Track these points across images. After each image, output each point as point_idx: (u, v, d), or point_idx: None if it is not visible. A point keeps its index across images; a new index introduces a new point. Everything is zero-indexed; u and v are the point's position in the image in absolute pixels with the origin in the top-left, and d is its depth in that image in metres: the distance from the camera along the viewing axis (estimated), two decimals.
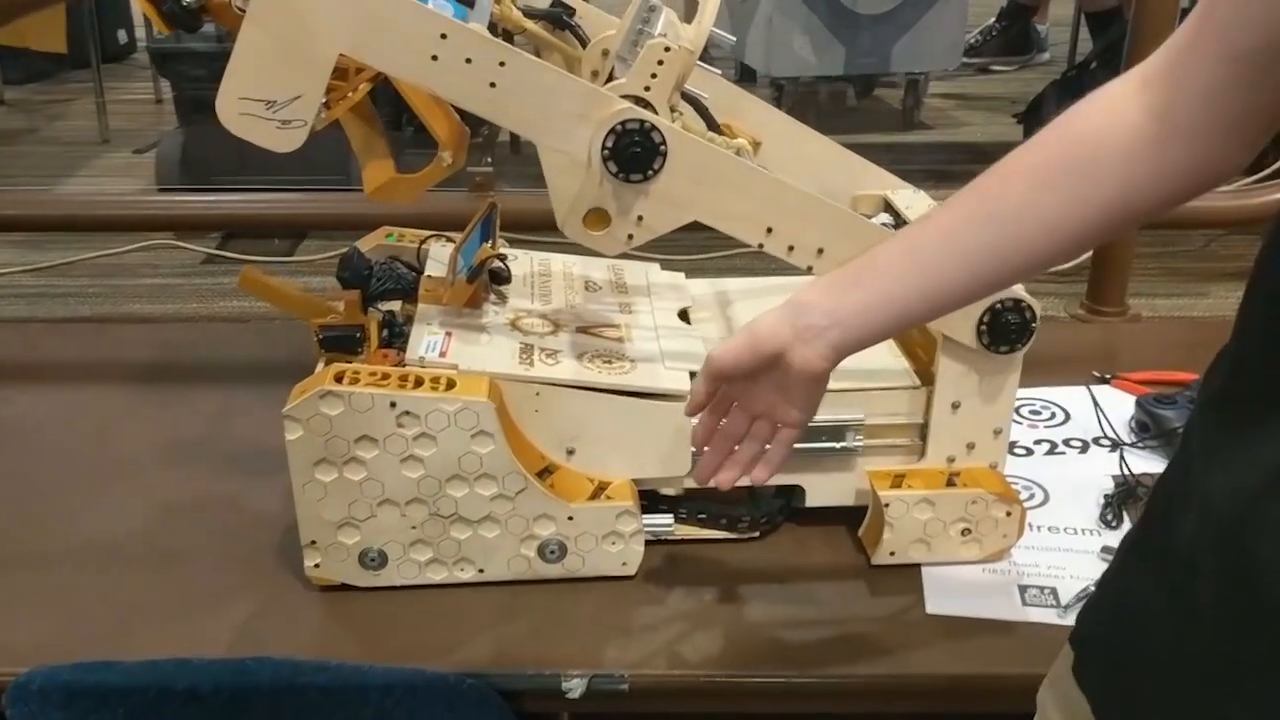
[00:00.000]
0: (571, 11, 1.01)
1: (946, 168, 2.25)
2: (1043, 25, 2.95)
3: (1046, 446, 1.11)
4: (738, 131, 1.03)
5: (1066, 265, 1.68)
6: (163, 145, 1.89)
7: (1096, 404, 1.15)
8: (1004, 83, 2.90)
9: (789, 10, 2.24)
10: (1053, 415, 1.16)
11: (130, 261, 1.74)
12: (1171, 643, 0.56)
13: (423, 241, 1.08)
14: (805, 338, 0.70)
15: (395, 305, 1.01)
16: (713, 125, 0.99)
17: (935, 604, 0.88)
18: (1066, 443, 1.12)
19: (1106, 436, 1.12)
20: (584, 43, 1.00)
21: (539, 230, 1.44)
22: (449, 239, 1.09)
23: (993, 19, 2.88)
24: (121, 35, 3.14)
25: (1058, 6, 2.92)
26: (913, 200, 1.04)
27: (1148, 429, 1.11)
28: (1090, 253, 1.58)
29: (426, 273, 1.02)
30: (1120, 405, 1.17)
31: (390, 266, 1.04)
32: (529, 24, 0.98)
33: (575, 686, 0.81)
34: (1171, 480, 0.60)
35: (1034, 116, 2.31)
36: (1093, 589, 0.89)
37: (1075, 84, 2.29)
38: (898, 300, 0.69)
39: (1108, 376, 1.23)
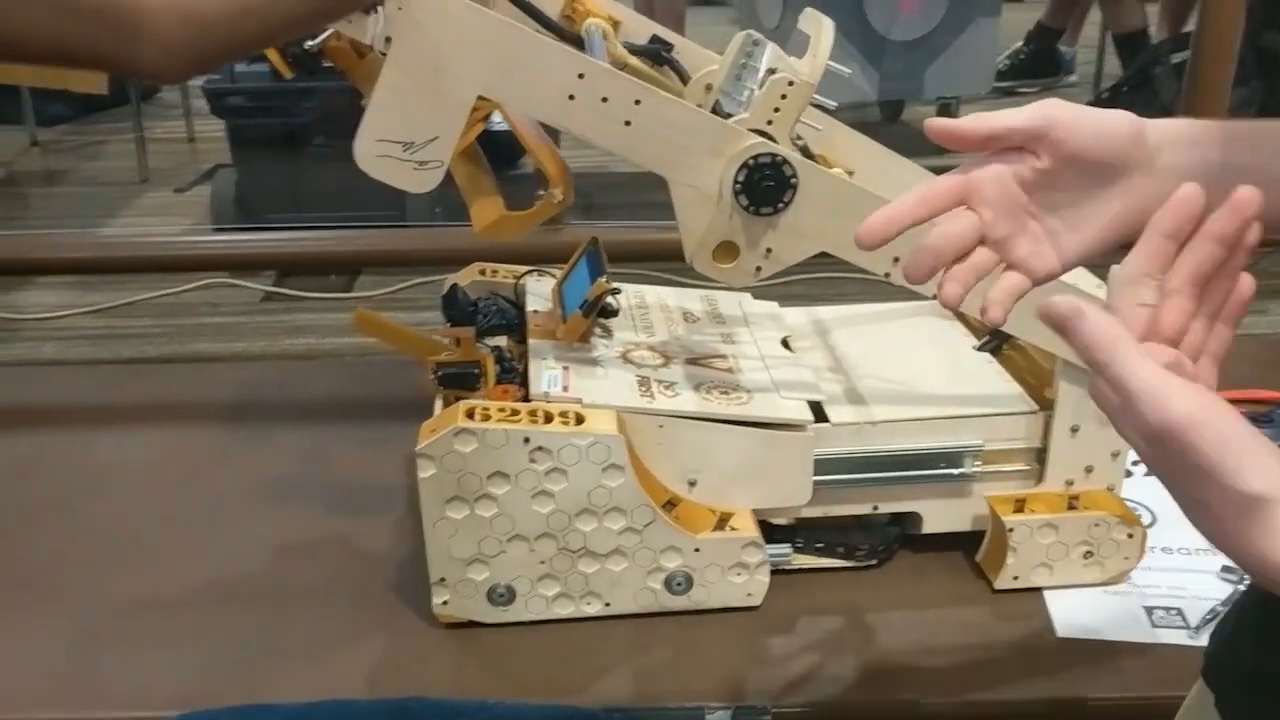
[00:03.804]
0: (670, 47, 1.02)
1: None
2: (1070, 48, 2.98)
3: (1144, 468, 1.11)
4: (832, 161, 1.04)
5: None
6: (216, 183, 1.90)
7: None
8: None
9: None
10: None
11: (189, 301, 1.74)
12: None
13: (519, 277, 1.08)
14: None
15: (501, 340, 1.01)
16: (809, 156, 1.00)
17: (1065, 627, 0.88)
18: None
19: None
20: (683, 77, 1.00)
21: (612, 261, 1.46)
22: (544, 273, 1.09)
23: (1020, 42, 2.91)
24: None
25: (1086, 28, 2.95)
26: None
27: None
28: None
29: (529, 308, 1.03)
30: None
31: (494, 303, 1.04)
32: (632, 60, 0.99)
33: (720, 719, 0.80)
34: None
35: None
36: (1220, 608, 0.90)
37: (1109, 106, 2.30)
38: None
39: None
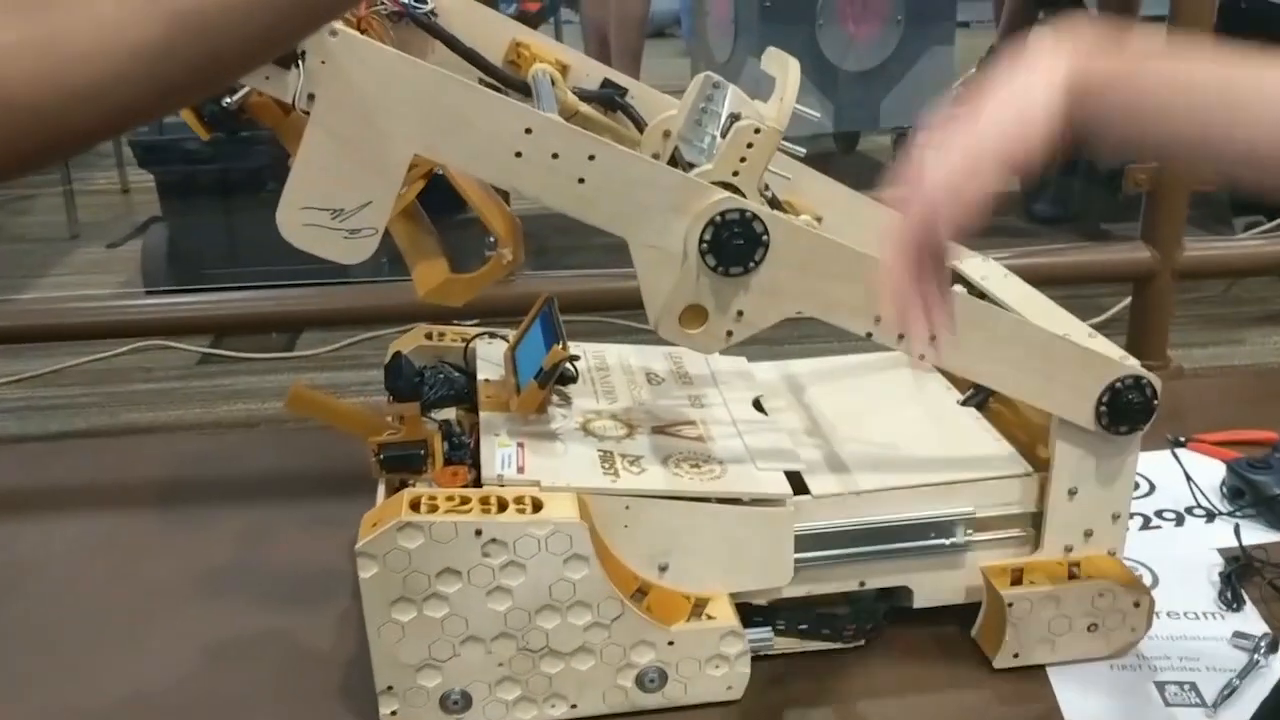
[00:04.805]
0: (624, 91, 0.95)
1: None
2: None
3: (1140, 521, 1.05)
4: (799, 207, 0.97)
5: (1100, 318, 1.65)
6: (147, 240, 1.80)
7: (1187, 474, 1.10)
8: None
9: None
10: (1137, 485, 1.10)
11: (121, 366, 1.64)
12: None
13: (469, 341, 1.01)
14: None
15: (449, 413, 0.93)
16: (776, 204, 0.93)
17: (1074, 712, 0.81)
18: (1159, 515, 1.06)
19: (1200, 506, 1.06)
20: (638, 123, 0.93)
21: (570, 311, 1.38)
22: (494, 335, 1.02)
23: (974, 69, 2.88)
24: None
25: None
26: (985, 269, 0.99)
27: (1242, 495, 1.05)
28: (1127, 301, 1.54)
29: (481, 376, 0.95)
30: (1204, 470, 1.11)
31: (440, 371, 0.96)
32: (583, 107, 0.91)
33: None
34: None
35: None
36: (1236, 681, 0.83)
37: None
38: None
39: (1182, 439, 1.17)
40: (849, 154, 2.78)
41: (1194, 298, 1.78)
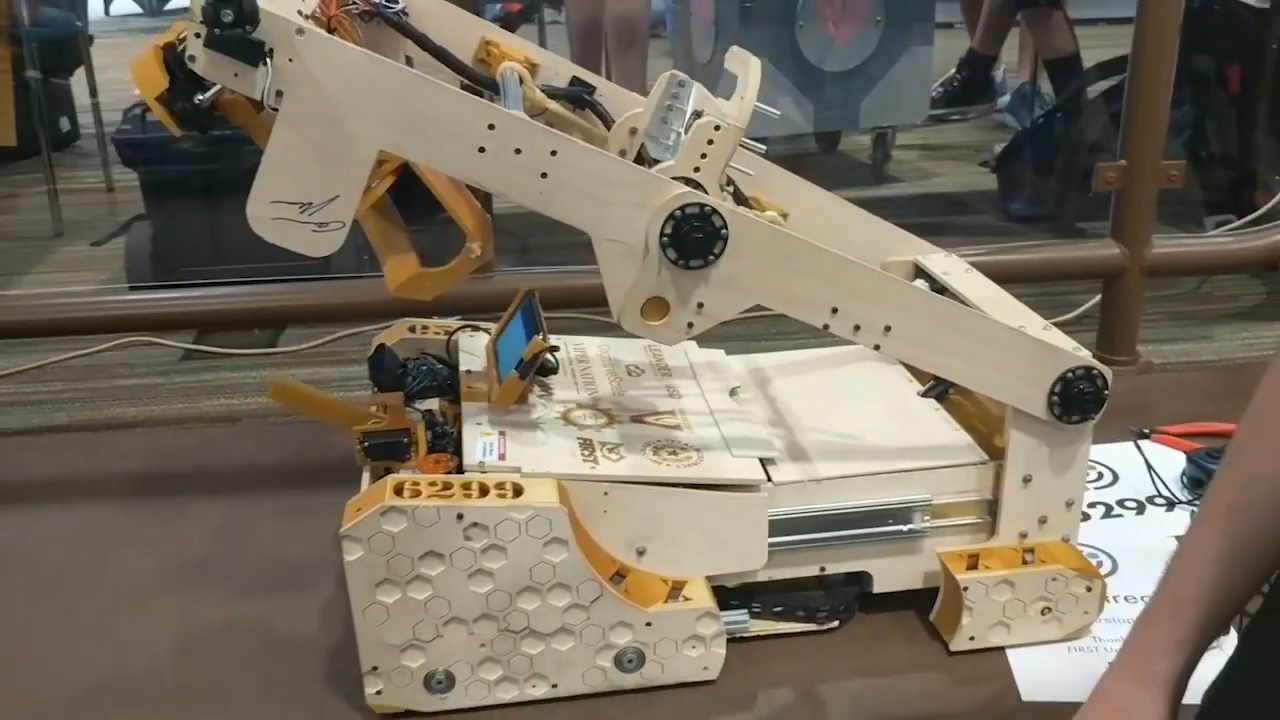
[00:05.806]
0: (591, 90, 0.97)
1: (923, 220, 2.25)
2: (997, 73, 2.98)
3: (1102, 510, 1.08)
4: (765, 204, 1.00)
5: (1072, 315, 1.68)
6: (131, 238, 1.81)
7: (1149, 464, 1.13)
8: (964, 131, 2.92)
9: None
10: (1100, 475, 1.13)
11: (104, 361, 1.65)
12: None
13: (451, 333, 1.03)
14: None
15: (432, 403, 0.95)
16: (741, 200, 0.96)
17: (1030, 690, 0.84)
18: (1121, 504, 1.09)
19: (1161, 496, 1.09)
20: (606, 121, 0.96)
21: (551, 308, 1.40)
22: (476, 328, 1.04)
23: (953, 70, 2.91)
24: (64, 123, 3.05)
25: (1007, 53, 2.96)
26: (947, 265, 1.01)
27: (1202, 485, 1.08)
28: (1098, 298, 1.57)
29: (463, 368, 0.97)
30: (1166, 461, 1.14)
31: (424, 363, 0.99)
32: (551, 104, 0.94)
33: None
34: None
35: (1007, 165, 2.32)
36: None
37: (1045, 131, 2.31)
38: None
39: (1146, 431, 1.20)
40: (830, 153, 2.81)
41: (1165, 295, 1.81)
